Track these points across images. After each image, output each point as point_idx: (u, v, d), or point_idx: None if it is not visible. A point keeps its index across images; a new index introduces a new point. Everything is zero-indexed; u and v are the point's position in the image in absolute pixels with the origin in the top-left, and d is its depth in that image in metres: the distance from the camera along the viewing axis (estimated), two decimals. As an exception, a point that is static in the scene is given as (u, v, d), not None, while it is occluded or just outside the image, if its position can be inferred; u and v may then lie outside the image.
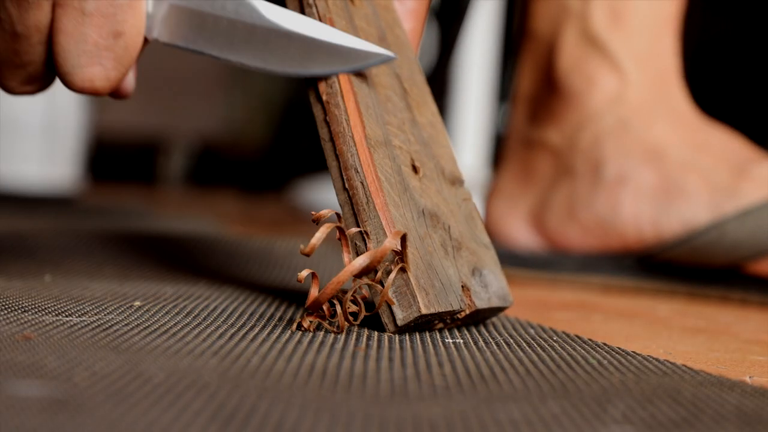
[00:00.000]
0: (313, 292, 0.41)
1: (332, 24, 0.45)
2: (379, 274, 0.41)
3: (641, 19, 0.73)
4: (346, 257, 0.42)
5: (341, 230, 0.42)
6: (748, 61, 1.38)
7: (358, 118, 0.44)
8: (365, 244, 0.42)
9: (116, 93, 0.46)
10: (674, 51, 0.75)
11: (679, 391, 0.33)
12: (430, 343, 0.40)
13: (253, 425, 0.26)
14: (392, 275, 0.41)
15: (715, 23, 1.38)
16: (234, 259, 0.66)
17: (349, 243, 0.43)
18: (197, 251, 0.69)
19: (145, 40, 0.46)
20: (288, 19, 0.44)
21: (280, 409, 0.28)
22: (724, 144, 0.71)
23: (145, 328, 0.39)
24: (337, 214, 0.43)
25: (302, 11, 0.45)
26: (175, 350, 0.35)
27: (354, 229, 0.42)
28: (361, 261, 0.41)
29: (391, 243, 0.41)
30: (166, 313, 0.43)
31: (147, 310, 0.43)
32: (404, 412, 0.28)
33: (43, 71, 0.45)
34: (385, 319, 0.42)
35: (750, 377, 0.39)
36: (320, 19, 0.45)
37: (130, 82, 0.46)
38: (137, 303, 0.45)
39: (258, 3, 0.45)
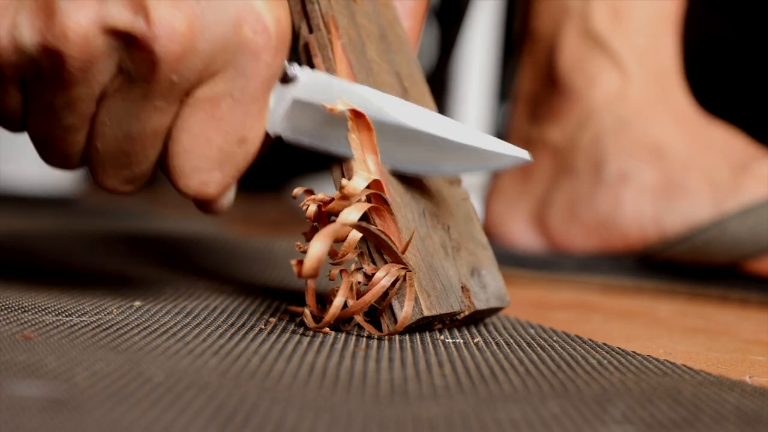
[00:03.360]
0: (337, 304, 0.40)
1: (334, 22, 0.44)
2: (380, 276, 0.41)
3: (642, 16, 0.73)
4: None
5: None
6: (749, 59, 1.38)
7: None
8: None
9: (212, 205, 0.43)
10: (675, 49, 0.75)
11: (679, 391, 0.33)
12: (430, 343, 0.40)
13: (253, 425, 0.26)
14: (398, 284, 0.41)
15: (716, 22, 1.38)
16: (234, 259, 0.66)
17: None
18: (197, 251, 0.69)
19: (268, 137, 0.43)
20: (416, 117, 0.42)
21: (280, 409, 0.28)
22: (725, 141, 0.71)
23: (145, 328, 0.39)
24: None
25: (304, 8, 0.45)
26: (175, 350, 0.35)
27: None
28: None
29: (387, 280, 0.40)
30: (166, 313, 0.43)
31: (147, 310, 0.43)
32: (404, 412, 0.28)
33: (151, 171, 0.42)
34: (386, 320, 0.42)
35: (750, 377, 0.39)
36: (322, 17, 0.44)
37: (230, 195, 0.43)
38: (137, 303, 0.45)
39: (384, 100, 0.42)
